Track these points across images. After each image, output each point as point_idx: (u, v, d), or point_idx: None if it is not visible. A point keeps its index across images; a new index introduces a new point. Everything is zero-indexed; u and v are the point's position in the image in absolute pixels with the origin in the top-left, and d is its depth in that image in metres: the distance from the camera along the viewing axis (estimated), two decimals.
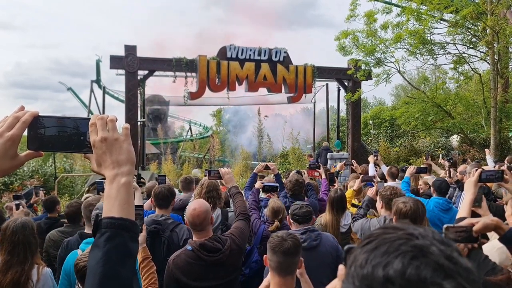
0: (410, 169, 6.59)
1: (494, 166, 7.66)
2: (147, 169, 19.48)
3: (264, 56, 19.03)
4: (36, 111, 1.23)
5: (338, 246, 3.80)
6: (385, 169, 7.89)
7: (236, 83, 19.01)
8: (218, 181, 4.91)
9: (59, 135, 1.22)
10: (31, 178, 17.21)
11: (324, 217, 4.87)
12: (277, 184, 5.87)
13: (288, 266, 2.66)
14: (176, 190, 6.04)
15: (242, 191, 4.51)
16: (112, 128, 1.22)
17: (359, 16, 16.32)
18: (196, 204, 3.41)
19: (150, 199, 5.49)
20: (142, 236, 3.32)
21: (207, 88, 18.82)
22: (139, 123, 16.81)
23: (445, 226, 2.19)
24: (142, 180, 10.27)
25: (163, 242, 4.12)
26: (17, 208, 5.99)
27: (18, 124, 1.19)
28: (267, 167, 7.02)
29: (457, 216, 2.71)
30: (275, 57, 19.22)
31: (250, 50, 18.87)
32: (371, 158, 8.28)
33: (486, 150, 10.51)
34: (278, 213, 4.52)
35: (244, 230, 3.70)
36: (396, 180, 7.35)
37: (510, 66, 16.22)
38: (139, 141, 16.67)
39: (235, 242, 3.50)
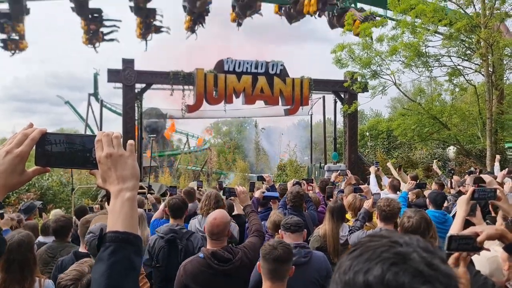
0: (409, 185, 6.60)
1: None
2: (144, 181, 19.45)
3: (261, 69, 19.17)
4: (44, 128, 1.27)
5: (330, 267, 3.71)
6: (386, 180, 7.87)
7: (233, 95, 19.11)
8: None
9: (66, 152, 1.26)
10: (28, 192, 17.13)
11: (323, 228, 4.83)
12: (277, 194, 5.87)
13: (279, 273, 2.77)
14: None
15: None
16: (117, 144, 1.25)
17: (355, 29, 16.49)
18: (217, 214, 3.49)
19: (162, 209, 5.68)
20: None
21: (204, 101, 18.89)
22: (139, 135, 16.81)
23: (448, 234, 2.17)
24: (151, 191, 10.33)
25: (180, 250, 4.21)
26: (1, 217, 5.84)
27: (26, 141, 1.23)
28: (262, 178, 7.05)
29: (449, 233, 2.71)
30: (272, 70, 19.36)
31: (247, 63, 19.02)
32: (372, 169, 8.27)
33: (497, 156, 10.38)
34: (279, 226, 4.53)
35: (257, 246, 3.72)
36: (398, 192, 7.34)
37: (505, 78, 16.38)
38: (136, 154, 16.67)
39: (247, 255, 3.54)
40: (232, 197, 5.03)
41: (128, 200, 1.20)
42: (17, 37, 21.02)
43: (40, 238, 5.22)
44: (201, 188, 7.92)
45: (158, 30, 23.54)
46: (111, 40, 23.52)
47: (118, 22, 23.07)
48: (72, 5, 20.61)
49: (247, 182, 23.53)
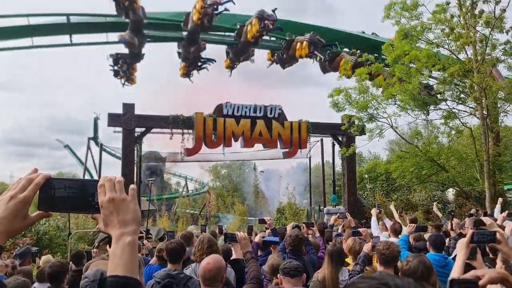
0: (409, 228, 6.55)
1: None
2: (141, 225, 19.24)
3: (260, 112, 19.45)
4: (48, 173, 1.30)
5: None
6: (388, 223, 7.79)
7: (232, 139, 19.28)
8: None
9: (69, 196, 1.29)
10: (24, 237, 16.86)
11: (322, 272, 4.73)
12: (277, 239, 5.80)
13: None
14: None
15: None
16: (120, 188, 1.28)
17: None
18: (210, 259, 3.44)
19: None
20: None
21: (203, 145, 19.02)
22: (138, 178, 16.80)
23: (450, 278, 2.15)
24: (149, 236, 10.23)
25: None
26: None
27: (30, 186, 1.25)
28: (263, 221, 6.99)
29: (450, 277, 2.69)
30: (270, 113, 19.64)
31: (246, 107, 19.32)
32: (373, 212, 8.19)
33: (500, 199, 10.34)
34: (277, 270, 4.47)
35: None
36: (399, 236, 7.25)
37: (499, 120, 16.60)
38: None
39: None
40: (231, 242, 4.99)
41: (129, 245, 1.22)
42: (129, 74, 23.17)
43: (36, 285, 5.11)
44: (205, 232, 7.81)
45: (200, 68, 23.80)
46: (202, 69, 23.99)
47: (213, 61, 23.60)
48: (179, 50, 21.89)
49: (245, 225, 23.27)
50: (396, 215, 8.74)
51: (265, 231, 7.59)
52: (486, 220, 5.38)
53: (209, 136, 18.85)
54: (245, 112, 19.24)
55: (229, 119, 19.04)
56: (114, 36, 20.69)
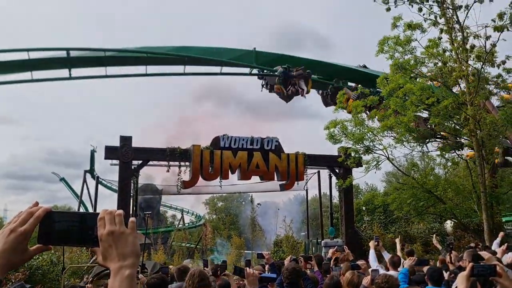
0: (409, 261, 6.50)
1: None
2: None
3: (257, 145, 19.54)
4: (48, 207, 1.31)
5: None
6: (386, 256, 7.72)
7: (229, 171, 19.27)
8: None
9: (68, 230, 1.30)
10: (16, 272, 16.50)
11: None
12: (275, 276, 5.73)
13: None
14: None
15: None
16: (119, 221, 1.28)
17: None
18: None
19: None
20: None
21: (200, 177, 19.00)
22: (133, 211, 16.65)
23: None
24: (145, 270, 10.04)
25: None
26: None
27: (31, 220, 1.26)
28: (261, 256, 6.90)
29: None
30: (267, 145, 19.73)
31: (243, 139, 19.42)
32: (372, 244, 8.13)
33: (501, 233, 10.29)
34: None
35: None
36: (399, 269, 7.17)
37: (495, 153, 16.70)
38: None
39: None
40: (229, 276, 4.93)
41: (127, 278, 1.22)
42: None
43: None
44: (207, 268, 7.63)
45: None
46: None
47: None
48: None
49: (243, 259, 22.91)
50: (398, 248, 8.67)
51: (262, 265, 7.49)
52: (484, 254, 5.35)
53: (206, 168, 18.84)
54: (242, 144, 19.33)
55: (226, 151, 19.10)
56: (112, 69, 20.97)
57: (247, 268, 4.55)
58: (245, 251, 28.01)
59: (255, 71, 22.32)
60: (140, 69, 21.01)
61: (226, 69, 22.36)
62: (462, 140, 16.41)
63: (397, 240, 9.35)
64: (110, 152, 18.04)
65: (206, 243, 30.51)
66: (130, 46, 21.85)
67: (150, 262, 16.43)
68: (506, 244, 7.99)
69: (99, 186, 34.32)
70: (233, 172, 19.41)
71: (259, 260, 7.47)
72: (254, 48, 21.86)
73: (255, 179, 21.03)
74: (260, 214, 37.05)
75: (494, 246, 9.04)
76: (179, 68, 21.40)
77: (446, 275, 6.29)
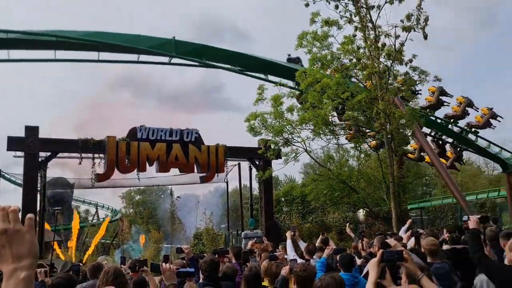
0: (327, 250, 6.66)
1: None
2: (45, 258, 17.67)
3: (176, 136, 19.08)
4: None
5: None
6: (302, 245, 7.88)
7: (147, 163, 18.64)
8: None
9: None
10: None
11: None
12: (193, 270, 5.56)
13: None
14: None
15: None
16: (14, 219, 1.15)
17: (267, 99, 17.30)
18: None
19: None
20: None
21: (116, 170, 18.15)
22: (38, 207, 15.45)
23: None
24: (54, 270, 9.27)
25: None
26: None
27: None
28: (180, 250, 6.69)
29: None
30: (187, 137, 19.35)
31: (161, 131, 18.85)
32: (288, 234, 8.25)
33: (409, 220, 10.99)
34: None
35: None
36: (314, 257, 7.35)
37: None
38: (37, 229, 15.22)
39: None
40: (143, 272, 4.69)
41: (23, 281, 1.10)
42: None
43: None
44: (124, 265, 7.21)
45: None
46: None
47: None
48: None
49: (161, 254, 22.41)
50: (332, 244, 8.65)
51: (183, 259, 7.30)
52: (390, 242, 5.70)
53: (122, 161, 18.04)
54: (161, 135, 18.76)
55: (143, 143, 18.42)
56: (17, 53, 19.19)
57: (163, 264, 4.37)
58: (165, 245, 27.45)
59: (175, 60, 21.72)
60: (49, 54, 19.47)
61: (144, 58, 21.52)
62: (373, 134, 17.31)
63: (288, 234, 9.05)
64: (14, 143, 16.54)
65: (122, 238, 29.41)
66: (37, 28, 20.07)
67: (60, 261, 15.37)
68: (410, 231, 8.55)
69: (3, 180, 31.58)
70: (151, 164, 18.79)
71: (179, 254, 7.25)
72: (174, 37, 21.25)
73: (175, 171, 20.60)
74: (180, 207, 36.52)
75: (402, 232, 9.66)
76: (93, 55, 20.19)
77: (359, 261, 6.56)
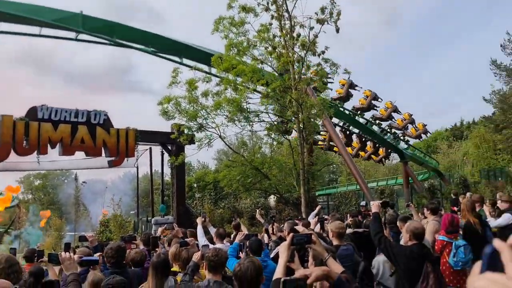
0: (239, 236, 6.70)
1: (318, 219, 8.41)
2: None
3: (82, 118, 17.91)
4: None
5: None
6: (212, 230, 7.91)
7: (49, 146, 17.27)
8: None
9: None
10: None
11: (146, 285, 4.47)
12: (97, 258, 5.27)
13: None
14: None
15: None
16: None
17: (181, 83, 16.90)
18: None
19: None
20: None
21: (12, 152, 16.60)
22: None
23: (282, 279, 2.28)
24: None
25: None
26: None
27: None
28: (84, 239, 6.36)
29: (274, 277, 2.92)
30: (94, 119, 18.26)
31: (66, 111, 17.56)
32: (199, 220, 8.24)
33: (318, 206, 11.42)
34: (99, 286, 4.03)
35: None
36: (224, 242, 7.38)
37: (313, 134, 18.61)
38: None
39: None
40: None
41: None
42: None
43: None
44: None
45: None
46: None
47: None
48: None
49: (63, 242, 21.07)
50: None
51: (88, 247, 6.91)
52: (299, 228, 5.92)
53: (20, 142, 16.52)
54: (65, 116, 17.45)
55: (45, 124, 17.01)
56: None
57: (62, 253, 4.07)
58: (68, 233, 25.93)
59: (82, 37, 20.26)
60: None
61: (47, 31, 19.78)
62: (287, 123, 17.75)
63: (198, 220, 8.90)
64: None
65: (20, 226, 27.20)
66: None
67: None
68: (317, 217, 8.95)
69: None
70: (53, 147, 17.42)
71: (83, 243, 6.87)
72: (81, 12, 19.78)
73: (80, 154, 19.35)
74: (86, 193, 34.63)
75: (311, 217, 10.06)
76: None
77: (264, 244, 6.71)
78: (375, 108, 26.59)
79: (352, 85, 25.49)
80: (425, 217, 7.72)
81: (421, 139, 27.48)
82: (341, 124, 26.07)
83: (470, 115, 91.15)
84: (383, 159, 29.78)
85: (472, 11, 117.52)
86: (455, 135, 55.44)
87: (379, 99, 26.38)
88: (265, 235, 7.66)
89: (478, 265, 0.81)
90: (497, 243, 0.80)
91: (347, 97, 25.56)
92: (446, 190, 25.57)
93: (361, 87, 25.95)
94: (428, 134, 27.44)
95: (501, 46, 32.30)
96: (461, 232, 6.35)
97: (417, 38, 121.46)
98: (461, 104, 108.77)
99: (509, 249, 0.77)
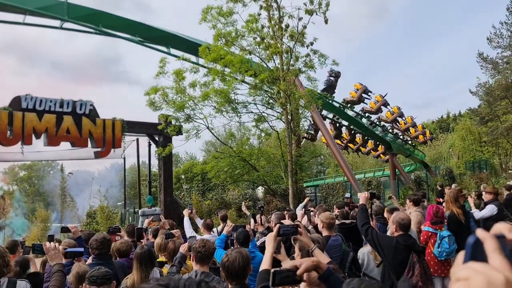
0: (227, 227, 6.67)
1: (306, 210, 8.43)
2: None
3: (67, 108, 17.65)
4: None
5: None
6: (199, 222, 7.91)
7: (33, 136, 17.00)
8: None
9: None
10: None
11: (131, 277, 4.42)
12: (81, 249, 5.21)
13: None
14: None
15: None
16: None
17: (168, 74, 16.72)
18: None
19: None
20: None
21: None
22: None
23: (272, 270, 2.29)
24: None
25: None
26: None
27: None
28: (66, 230, 6.29)
29: (260, 268, 2.93)
30: (80, 109, 18.01)
31: (51, 101, 17.27)
32: (186, 212, 8.23)
33: (307, 198, 11.42)
34: (84, 279, 3.97)
35: None
36: (212, 232, 7.38)
37: (301, 125, 18.62)
38: None
39: None
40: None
41: None
42: None
43: None
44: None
45: None
46: None
47: None
48: None
49: (48, 234, 20.90)
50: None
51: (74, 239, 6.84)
52: (285, 221, 5.97)
53: (3, 132, 16.23)
54: (50, 106, 17.16)
55: (29, 114, 16.73)
56: None
57: (46, 243, 4.01)
58: (54, 225, 25.68)
59: (67, 25, 19.88)
60: None
61: (31, 19, 19.37)
62: (275, 114, 17.71)
63: (185, 212, 8.91)
64: None
65: (4, 218, 26.86)
66: None
67: None
68: (303, 209, 9.00)
69: None
70: (38, 137, 17.15)
71: (68, 234, 6.79)
72: (66, 0, 19.40)
73: (66, 145, 19.09)
74: (72, 184, 34.29)
75: (298, 209, 10.08)
76: None
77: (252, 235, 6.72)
78: (365, 102, 26.84)
79: (366, 91, 26.20)
80: (406, 209, 7.80)
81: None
82: (330, 116, 26.18)
83: (457, 108, 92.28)
84: (381, 155, 30.52)
85: (459, 4, 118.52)
86: (441, 127, 56.09)
87: (370, 93, 26.61)
88: (252, 221, 7.66)
89: (461, 255, 0.82)
90: (480, 233, 0.82)
91: (358, 101, 26.32)
92: (432, 182, 25.85)
93: (374, 93, 26.66)
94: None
95: (487, 39, 32.63)
96: (445, 223, 6.42)
97: (405, 30, 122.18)
98: (448, 97, 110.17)
99: (492, 239, 0.79)
